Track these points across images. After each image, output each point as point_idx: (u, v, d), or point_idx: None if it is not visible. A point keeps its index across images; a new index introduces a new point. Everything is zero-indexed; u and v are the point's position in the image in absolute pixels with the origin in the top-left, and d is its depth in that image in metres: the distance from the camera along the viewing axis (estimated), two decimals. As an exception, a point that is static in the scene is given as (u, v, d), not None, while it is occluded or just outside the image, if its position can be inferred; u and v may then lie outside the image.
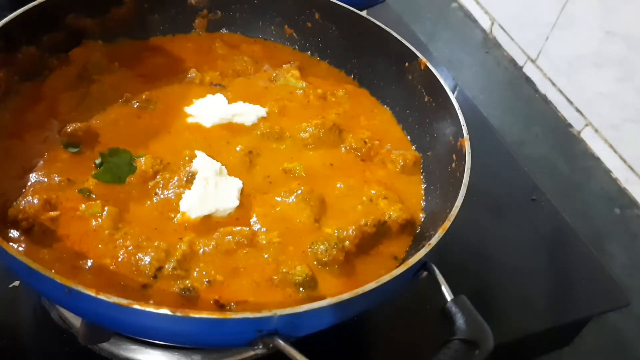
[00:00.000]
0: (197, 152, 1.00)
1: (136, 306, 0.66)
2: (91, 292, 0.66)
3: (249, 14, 1.31)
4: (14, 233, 0.85)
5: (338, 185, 1.02)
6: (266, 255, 0.89)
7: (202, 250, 0.88)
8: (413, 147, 1.14)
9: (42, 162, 0.94)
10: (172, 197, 0.94)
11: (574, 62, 1.49)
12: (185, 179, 0.96)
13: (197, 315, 0.66)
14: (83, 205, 0.89)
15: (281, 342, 0.70)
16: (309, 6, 1.26)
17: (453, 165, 0.99)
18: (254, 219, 0.94)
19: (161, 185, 0.96)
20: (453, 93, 1.05)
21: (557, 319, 1.16)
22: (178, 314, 0.66)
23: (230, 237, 0.89)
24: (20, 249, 0.84)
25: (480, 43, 1.79)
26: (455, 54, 1.85)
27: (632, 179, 1.39)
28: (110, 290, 0.75)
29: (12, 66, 1.03)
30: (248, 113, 1.11)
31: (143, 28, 1.24)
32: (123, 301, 0.66)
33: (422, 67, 1.11)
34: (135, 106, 1.08)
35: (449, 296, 0.78)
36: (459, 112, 1.01)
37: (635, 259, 1.38)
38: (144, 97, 1.09)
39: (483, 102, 1.65)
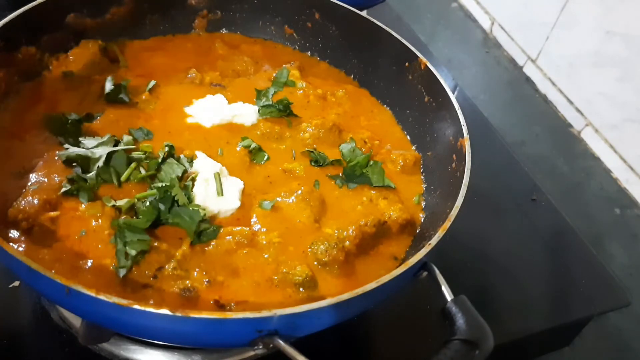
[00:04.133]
0: (197, 152, 1.00)
1: (136, 306, 0.66)
2: (91, 292, 0.66)
3: (249, 14, 1.31)
4: (14, 233, 0.85)
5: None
6: (266, 256, 0.89)
7: (202, 250, 0.88)
8: (413, 147, 1.14)
9: (42, 162, 0.94)
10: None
11: (574, 62, 1.49)
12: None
13: (197, 315, 0.67)
14: (83, 205, 0.89)
15: (281, 342, 0.70)
16: (309, 6, 1.26)
17: (453, 165, 0.99)
18: (254, 219, 0.94)
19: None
20: (453, 93, 1.05)
21: (557, 319, 1.16)
22: (178, 314, 0.66)
23: (230, 237, 0.89)
24: (20, 249, 0.84)
25: (480, 43, 1.79)
26: (455, 54, 1.85)
27: (632, 179, 1.39)
28: (110, 290, 0.75)
29: (12, 66, 1.03)
30: (248, 113, 1.11)
31: (143, 28, 1.24)
32: (123, 301, 0.66)
33: (422, 67, 1.11)
34: (135, 106, 1.08)
35: (449, 296, 0.78)
36: (459, 112, 1.01)
37: (635, 259, 1.38)
38: (144, 97, 1.09)
39: (483, 102, 1.65)
